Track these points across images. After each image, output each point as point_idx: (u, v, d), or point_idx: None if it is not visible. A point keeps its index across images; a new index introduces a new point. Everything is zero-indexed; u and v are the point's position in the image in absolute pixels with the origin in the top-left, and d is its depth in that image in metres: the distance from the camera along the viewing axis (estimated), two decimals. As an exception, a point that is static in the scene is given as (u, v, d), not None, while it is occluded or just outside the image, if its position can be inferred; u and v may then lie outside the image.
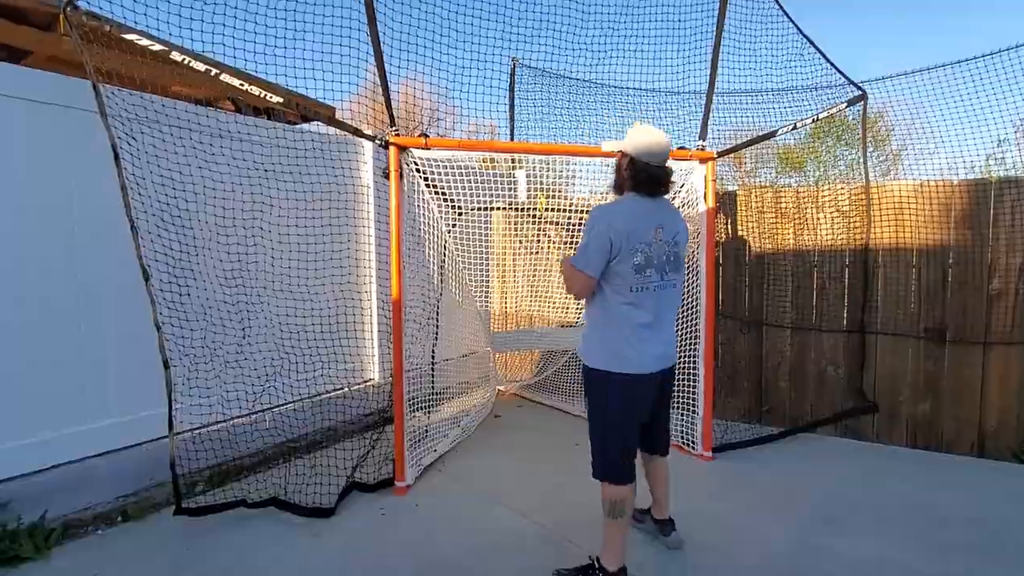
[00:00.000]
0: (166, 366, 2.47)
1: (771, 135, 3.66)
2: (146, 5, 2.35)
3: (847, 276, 3.90)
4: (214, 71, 2.41)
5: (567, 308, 4.27)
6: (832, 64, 3.77)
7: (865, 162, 3.81)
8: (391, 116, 3.00)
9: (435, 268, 3.22)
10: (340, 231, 3.18)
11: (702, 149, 3.48)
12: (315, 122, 3.54)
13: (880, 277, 3.79)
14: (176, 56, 2.30)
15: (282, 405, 3.32)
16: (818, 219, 3.96)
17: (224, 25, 2.55)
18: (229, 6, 2.56)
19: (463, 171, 3.19)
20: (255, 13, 2.62)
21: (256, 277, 3.04)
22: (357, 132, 2.90)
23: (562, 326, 4.20)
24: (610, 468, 2.11)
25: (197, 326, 2.92)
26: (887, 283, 3.77)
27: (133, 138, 2.62)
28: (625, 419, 2.11)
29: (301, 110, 2.82)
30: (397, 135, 2.99)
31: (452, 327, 3.81)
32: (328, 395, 3.55)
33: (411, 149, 3.05)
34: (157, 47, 2.28)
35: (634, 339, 2.09)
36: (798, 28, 3.66)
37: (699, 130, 3.54)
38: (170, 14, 2.44)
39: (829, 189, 3.91)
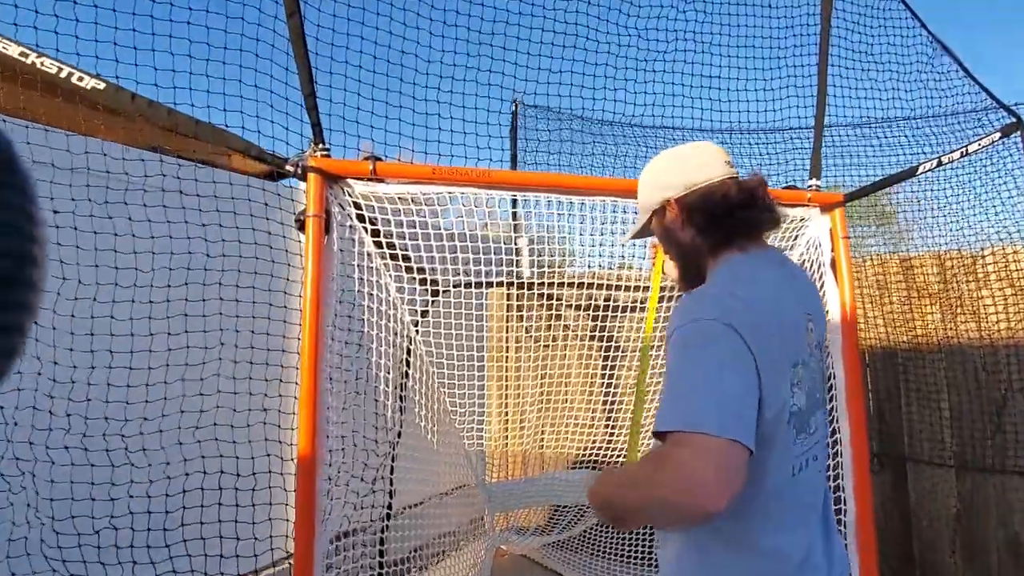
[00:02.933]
0: None
1: (911, 173, 2.44)
2: None
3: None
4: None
5: (600, 435, 2.82)
6: (973, 78, 2.64)
7: (1047, 213, 2.58)
8: (316, 125, 1.76)
9: (389, 388, 1.85)
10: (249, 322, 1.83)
11: (817, 190, 2.24)
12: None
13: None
14: None
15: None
16: (980, 297, 2.64)
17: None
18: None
19: (439, 229, 1.89)
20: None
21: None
22: (237, 148, 1.63)
23: (594, 467, 2.74)
24: None
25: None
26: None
27: None
28: None
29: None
30: (325, 154, 1.73)
31: (418, 465, 2.34)
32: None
33: (349, 180, 1.77)
34: None
35: None
36: (927, 29, 2.55)
37: (809, 166, 2.32)
38: None
39: (995, 253, 2.63)
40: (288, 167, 1.72)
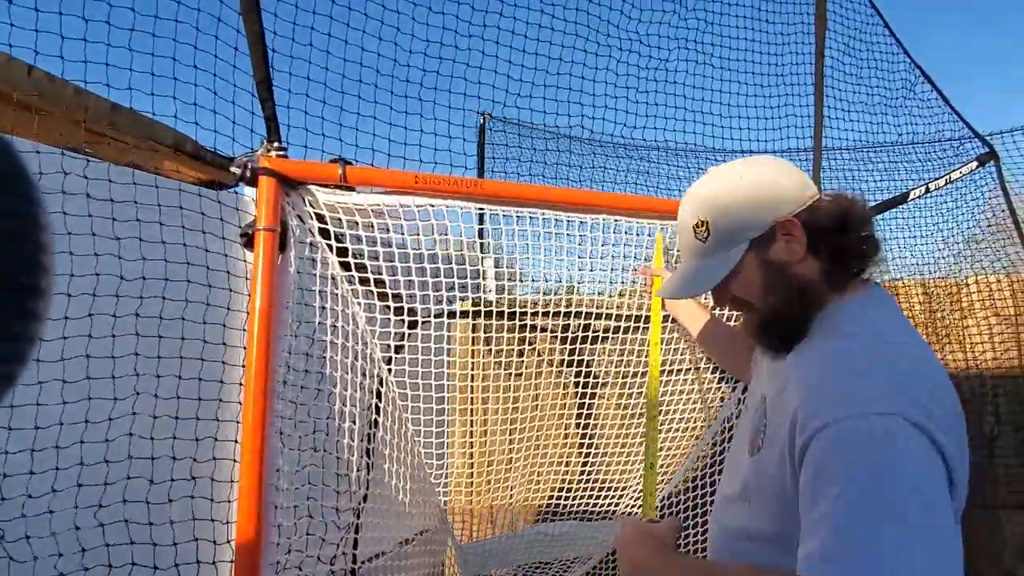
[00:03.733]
0: None
1: (903, 199, 2.37)
2: None
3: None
4: None
5: (580, 479, 2.55)
6: (951, 107, 2.64)
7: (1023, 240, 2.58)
8: (271, 119, 1.43)
9: (355, 442, 1.49)
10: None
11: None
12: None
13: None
14: None
15: None
16: (965, 327, 2.59)
17: None
18: None
19: (418, 248, 1.58)
20: None
21: None
22: (166, 142, 1.28)
23: (581, 518, 2.45)
24: None
25: None
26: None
27: None
28: None
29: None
30: (282, 155, 1.40)
31: (388, 534, 1.96)
32: None
33: (312, 187, 1.44)
34: None
35: None
36: (908, 55, 2.53)
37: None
38: None
39: (978, 281, 2.60)
40: (233, 168, 1.38)
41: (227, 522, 1.35)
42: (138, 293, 1.28)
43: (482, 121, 3.45)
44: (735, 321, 1.86)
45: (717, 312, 1.64)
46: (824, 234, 0.81)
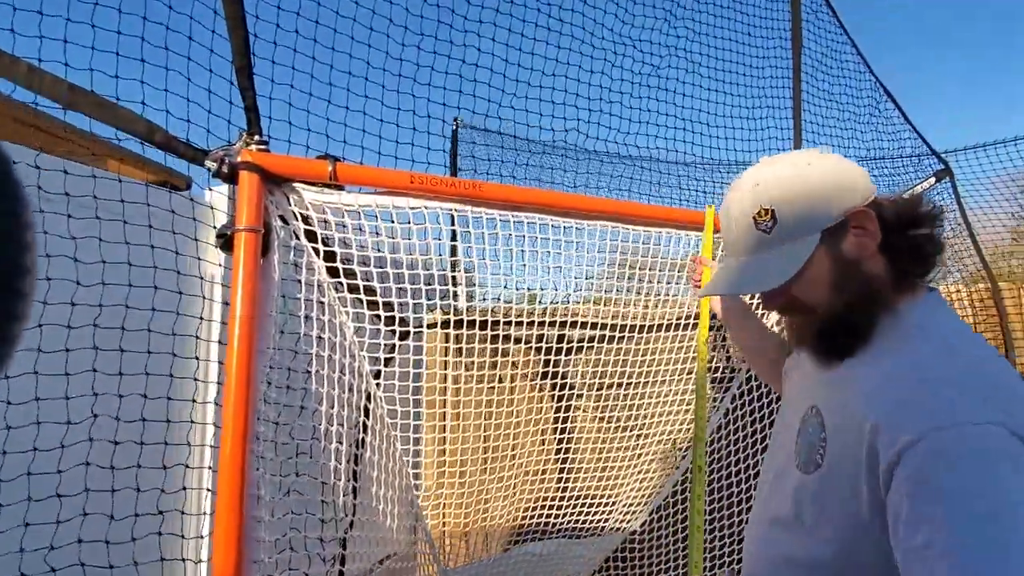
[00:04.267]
0: None
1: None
2: None
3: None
4: None
5: (564, 495, 2.46)
6: (910, 123, 2.77)
7: (980, 253, 2.70)
8: (251, 110, 1.30)
9: (341, 464, 1.35)
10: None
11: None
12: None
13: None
14: None
15: None
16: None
17: None
18: None
19: (412, 253, 1.47)
20: None
21: None
22: (135, 131, 1.14)
23: (569, 536, 2.37)
24: None
25: None
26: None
27: None
28: None
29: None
30: (262, 148, 1.27)
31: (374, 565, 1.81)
32: None
33: (297, 185, 1.32)
34: None
35: None
36: (873, 74, 2.64)
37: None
38: None
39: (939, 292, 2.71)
40: (208, 162, 1.24)
41: (199, 561, 1.20)
42: (97, 300, 1.12)
43: (454, 127, 3.37)
44: (777, 324, 1.75)
45: (754, 306, 1.50)
46: (895, 229, 0.76)
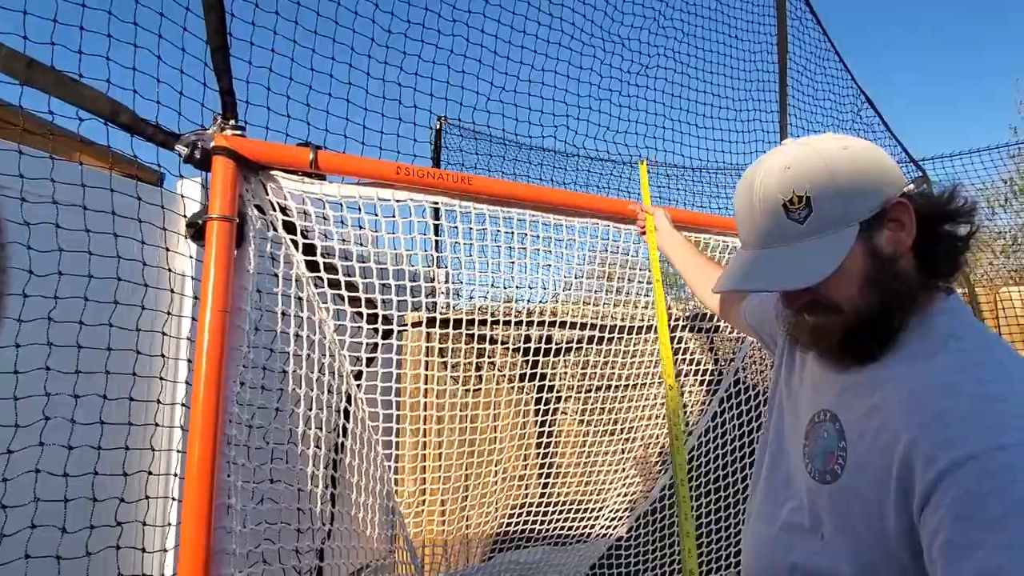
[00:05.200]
0: None
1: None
2: None
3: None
4: None
5: (548, 502, 2.40)
6: (890, 131, 2.81)
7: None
8: (227, 93, 1.22)
9: (319, 470, 1.26)
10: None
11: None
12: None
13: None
14: None
15: None
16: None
17: None
18: None
19: (396, 248, 1.39)
20: None
21: None
22: (99, 111, 1.06)
23: (553, 543, 2.30)
24: None
25: None
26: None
27: None
28: None
29: None
30: (238, 133, 1.19)
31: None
32: None
33: (276, 173, 1.24)
34: None
35: None
36: (856, 82, 2.66)
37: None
38: None
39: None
40: (180, 147, 1.16)
41: (163, 576, 1.10)
42: (52, 292, 1.02)
43: (438, 125, 3.31)
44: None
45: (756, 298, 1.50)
46: (929, 226, 0.70)
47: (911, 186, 0.73)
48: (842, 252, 0.68)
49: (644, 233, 1.68)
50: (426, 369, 2.15)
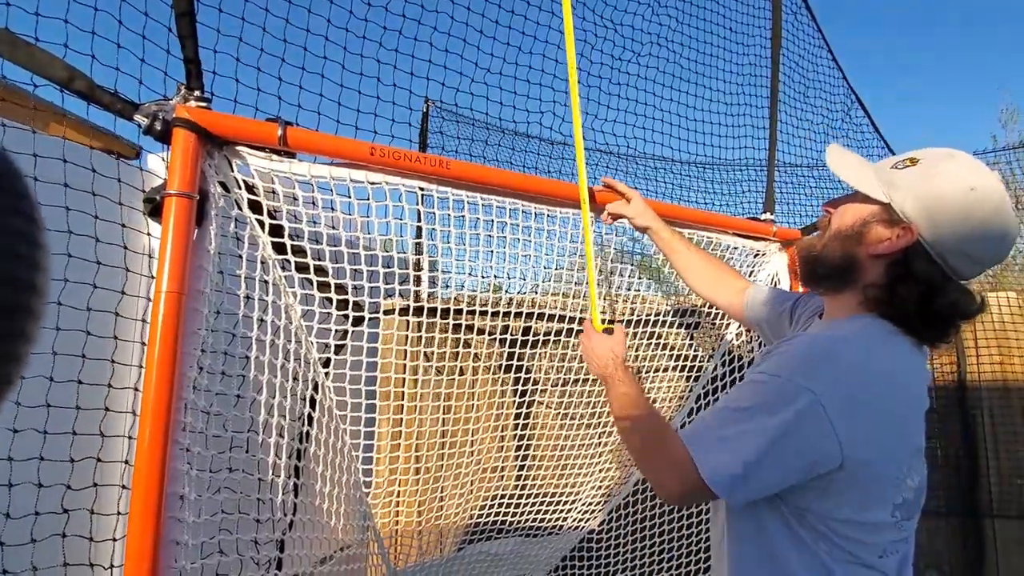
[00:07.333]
0: None
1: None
2: None
3: (935, 431, 2.63)
4: None
5: (522, 492, 2.38)
6: (877, 130, 2.79)
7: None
8: (191, 62, 1.15)
9: (281, 460, 1.21)
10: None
11: (772, 224, 2.11)
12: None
13: (986, 427, 2.58)
14: None
15: None
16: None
17: None
18: None
19: (369, 232, 1.34)
20: None
21: None
22: (54, 76, 0.99)
23: (526, 534, 2.29)
24: None
25: None
26: (1002, 439, 2.56)
27: None
28: None
29: None
30: (203, 106, 1.13)
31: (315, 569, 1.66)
32: None
33: (241, 149, 1.18)
34: None
35: None
36: (847, 81, 2.64)
37: (764, 199, 2.19)
38: None
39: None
40: (139, 117, 1.10)
41: (111, 567, 1.06)
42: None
43: (426, 108, 3.23)
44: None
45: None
46: (911, 276, 0.82)
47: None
48: (866, 188, 0.85)
49: (610, 219, 1.57)
50: (402, 358, 2.10)
